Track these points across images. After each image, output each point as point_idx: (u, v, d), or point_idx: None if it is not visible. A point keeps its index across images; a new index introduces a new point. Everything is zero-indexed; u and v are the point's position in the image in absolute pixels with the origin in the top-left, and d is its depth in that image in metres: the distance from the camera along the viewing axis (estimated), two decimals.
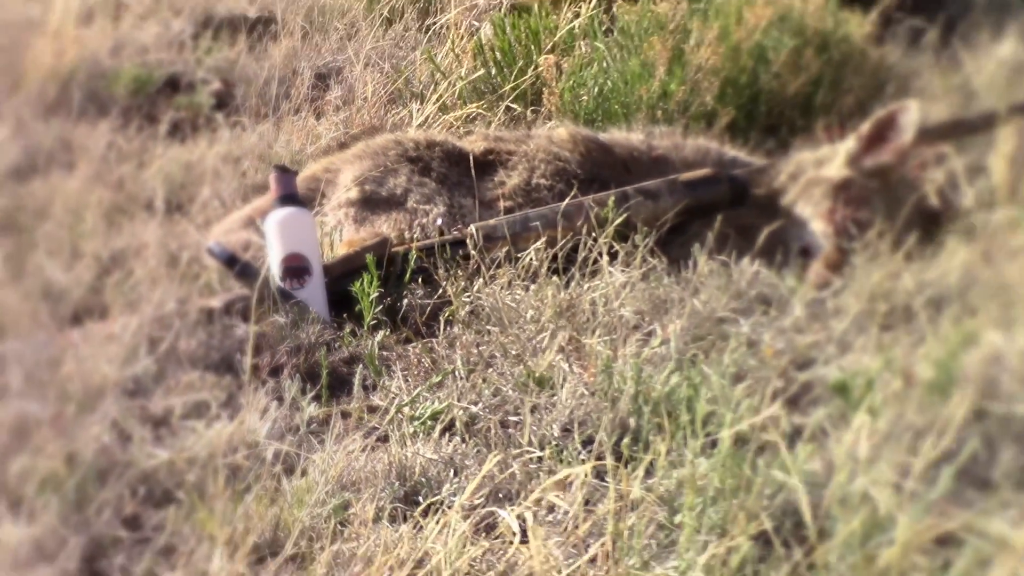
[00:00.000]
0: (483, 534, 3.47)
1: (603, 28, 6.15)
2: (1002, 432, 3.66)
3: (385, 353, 4.46)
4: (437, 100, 6.12)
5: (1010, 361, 3.92)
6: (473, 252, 4.80)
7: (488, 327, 4.51)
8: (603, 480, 3.55)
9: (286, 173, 4.87)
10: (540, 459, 3.82)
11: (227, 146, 5.92)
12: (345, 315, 4.65)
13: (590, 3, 6.35)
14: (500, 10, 7.06)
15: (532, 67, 6.05)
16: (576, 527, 3.45)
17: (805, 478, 3.45)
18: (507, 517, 3.48)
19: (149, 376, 4.25)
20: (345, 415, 4.16)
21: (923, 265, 4.64)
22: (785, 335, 4.34)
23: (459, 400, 4.15)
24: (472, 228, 4.88)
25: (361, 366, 4.38)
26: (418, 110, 6.11)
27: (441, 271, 4.76)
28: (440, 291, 4.72)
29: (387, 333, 4.56)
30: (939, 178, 5.05)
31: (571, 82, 5.90)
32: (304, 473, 3.81)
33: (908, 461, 3.45)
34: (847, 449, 3.50)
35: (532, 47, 6.14)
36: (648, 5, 6.11)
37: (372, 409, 4.20)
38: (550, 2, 6.73)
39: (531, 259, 4.75)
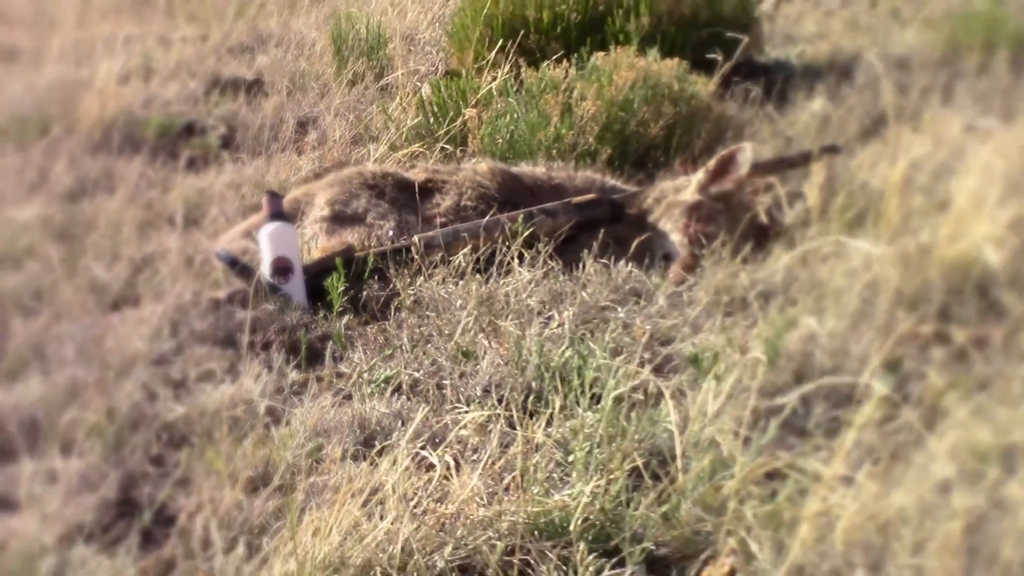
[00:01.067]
0: (423, 470, 3.44)
1: (513, 88, 6.12)
2: (815, 393, 3.65)
3: (349, 332, 4.43)
4: (388, 142, 6.08)
5: (822, 339, 3.92)
6: (416, 256, 4.79)
7: (427, 313, 4.48)
8: (514, 428, 3.53)
9: (275, 196, 4.84)
10: (466, 413, 3.79)
11: (231, 176, 5.89)
12: (319, 303, 4.62)
13: (503, 70, 6.32)
14: (436, 75, 7.03)
15: (460, 117, 6.02)
16: (493, 464, 3.45)
17: (668, 427, 3.45)
18: (441, 457, 3.46)
19: (170, 350, 4.25)
20: (319, 379, 4.13)
21: (755, 267, 4.65)
22: (651, 319, 4.33)
23: (405, 368, 4.13)
24: (416, 238, 4.87)
25: (331, 342, 4.37)
26: (374, 149, 6.08)
27: (392, 270, 4.75)
28: (391, 285, 4.69)
29: (351, 317, 4.53)
30: (767, 201, 5.05)
31: (489, 128, 5.87)
32: (288, 423, 3.79)
33: (745, 414, 3.44)
34: (699, 405, 3.50)
35: (460, 102, 6.11)
36: (546, 71, 6.09)
37: (339, 375, 4.17)
38: (474, 69, 6.70)
39: (460, 261, 4.74)
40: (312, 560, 3.01)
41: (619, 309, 4.43)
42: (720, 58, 6.41)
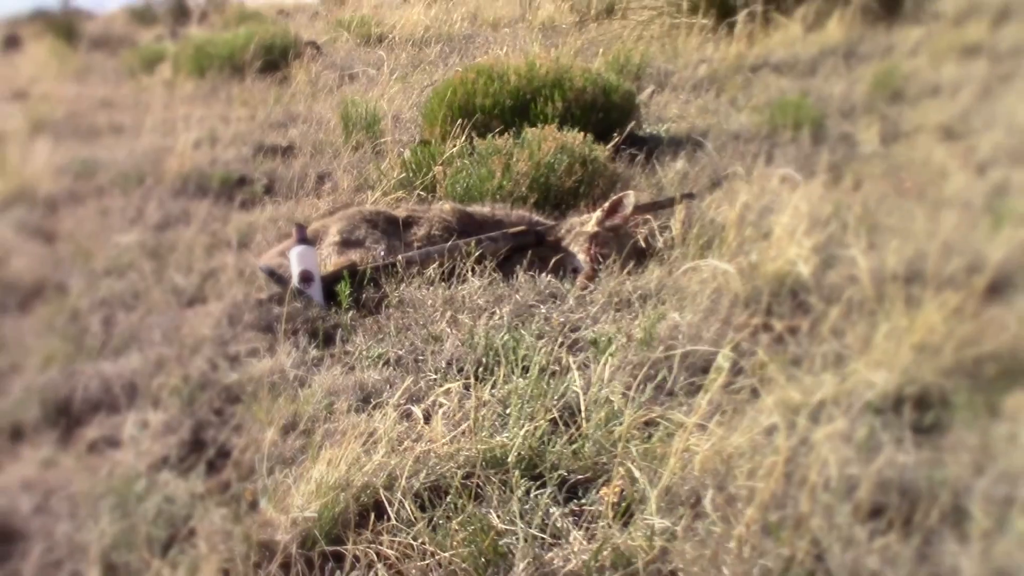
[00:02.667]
0: (405, 419, 3.40)
1: (468, 152, 6.09)
2: (680, 364, 3.63)
3: (353, 323, 4.39)
4: (381, 189, 6.05)
5: (683, 328, 3.91)
6: (400, 270, 4.76)
7: (408, 309, 4.44)
8: (468, 390, 3.50)
9: (301, 227, 4.82)
10: (435, 379, 3.76)
11: (270, 213, 5.85)
12: (332, 303, 4.58)
13: (460, 140, 6.29)
14: (414, 143, 6.98)
15: (431, 172, 5.98)
16: (454, 415, 3.41)
17: (576, 389, 3.44)
18: (417, 410, 3.43)
19: (228, 334, 4.21)
20: (332, 356, 4.09)
21: (636, 277, 4.63)
22: (564, 314, 4.30)
23: (392, 348, 4.08)
24: (400, 257, 4.83)
25: (340, 329, 4.33)
26: (371, 195, 6.04)
27: (383, 279, 4.72)
28: (383, 290, 4.66)
29: (354, 312, 4.48)
30: (645, 232, 5.04)
31: (451, 180, 5.84)
32: (309, 386, 3.76)
33: (630, 380, 3.43)
34: (597, 374, 3.48)
35: (431, 162, 6.07)
36: (491, 141, 6.07)
37: (346, 352, 4.12)
38: (440, 139, 6.66)
39: (431, 273, 4.72)
40: (326, 483, 2.98)
41: (542, 307, 4.40)
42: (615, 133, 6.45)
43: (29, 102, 8.57)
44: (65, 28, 12.50)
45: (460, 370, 3.85)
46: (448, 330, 4.20)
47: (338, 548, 2.89)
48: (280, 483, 3.09)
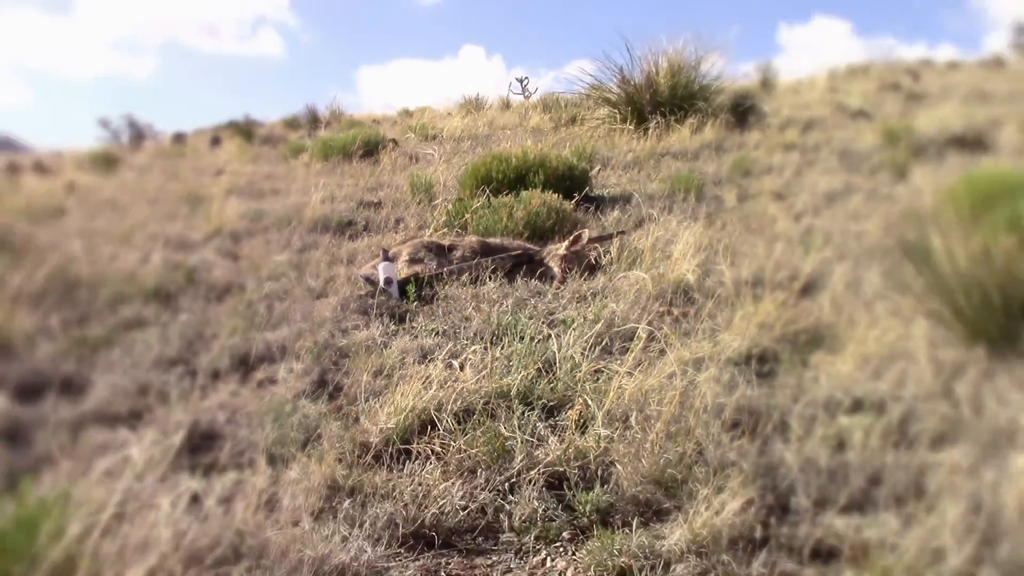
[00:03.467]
0: (448, 368, 3.35)
1: (487, 205, 6.03)
2: (614, 336, 3.59)
3: (417, 309, 4.34)
4: (433, 227, 6.00)
5: (618, 313, 3.86)
6: (445, 277, 4.71)
7: (451, 301, 4.40)
8: (486, 350, 3.45)
9: (385, 250, 4.77)
10: (466, 343, 3.72)
11: (367, 242, 5.80)
12: (404, 297, 4.52)
13: (482, 199, 6.24)
14: (454, 200, 6.92)
15: (464, 217, 5.94)
16: (479, 366, 3.36)
17: (553, 350, 3.40)
18: (456, 363, 3.39)
19: (341, 316, 4.18)
20: (404, 329, 4.04)
21: (590, 282, 4.56)
22: (546, 304, 4.25)
23: (440, 324, 4.04)
24: (445, 270, 4.79)
25: (409, 313, 4.28)
26: (428, 231, 5.99)
27: (435, 283, 4.67)
28: (435, 289, 4.61)
29: (417, 303, 4.43)
30: (595, 254, 4.97)
31: (476, 223, 5.79)
32: (389, 348, 3.71)
33: (586, 344, 3.39)
34: (566, 340, 3.44)
35: (464, 211, 6.02)
36: (500, 199, 6.02)
37: (412, 327, 4.07)
38: (470, 197, 6.60)
39: (464, 279, 4.66)
40: (400, 407, 2.96)
41: (532, 300, 4.35)
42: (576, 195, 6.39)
43: (224, 176, 8.58)
44: (246, 132, 12.95)
45: (481, 338, 3.79)
46: (474, 313, 4.15)
47: (407, 446, 2.87)
48: (372, 407, 3.07)
